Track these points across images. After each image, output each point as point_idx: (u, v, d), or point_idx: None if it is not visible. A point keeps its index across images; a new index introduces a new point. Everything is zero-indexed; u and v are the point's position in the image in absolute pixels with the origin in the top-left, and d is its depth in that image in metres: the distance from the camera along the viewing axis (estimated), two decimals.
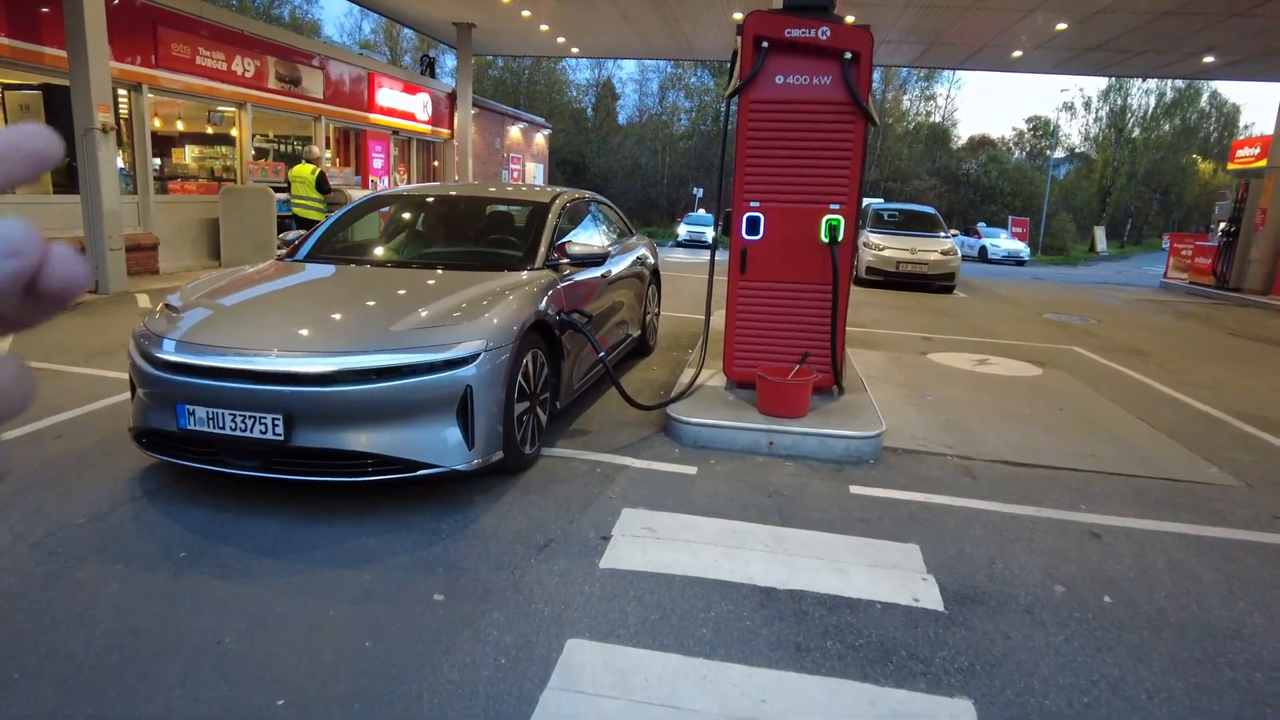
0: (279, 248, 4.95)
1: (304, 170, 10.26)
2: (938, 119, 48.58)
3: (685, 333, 8.04)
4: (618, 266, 5.58)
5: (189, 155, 11.44)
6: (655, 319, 6.98)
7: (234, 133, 11.64)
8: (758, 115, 4.64)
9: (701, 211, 33.25)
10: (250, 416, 3.17)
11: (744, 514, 3.51)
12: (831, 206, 4.68)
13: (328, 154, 13.95)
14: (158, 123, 10.48)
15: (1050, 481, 4.16)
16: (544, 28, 16.86)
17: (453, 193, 5.26)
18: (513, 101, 38.03)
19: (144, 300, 8.05)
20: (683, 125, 45.92)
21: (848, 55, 4.48)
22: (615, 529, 3.29)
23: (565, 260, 4.46)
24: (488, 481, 3.68)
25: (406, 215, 5.16)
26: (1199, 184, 53.64)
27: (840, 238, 4.65)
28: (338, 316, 3.54)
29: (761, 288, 4.86)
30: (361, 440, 3.21)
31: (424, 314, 3.50)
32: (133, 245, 9.38)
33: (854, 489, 3.90)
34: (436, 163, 19.56)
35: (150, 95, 9.76)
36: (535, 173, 25.98)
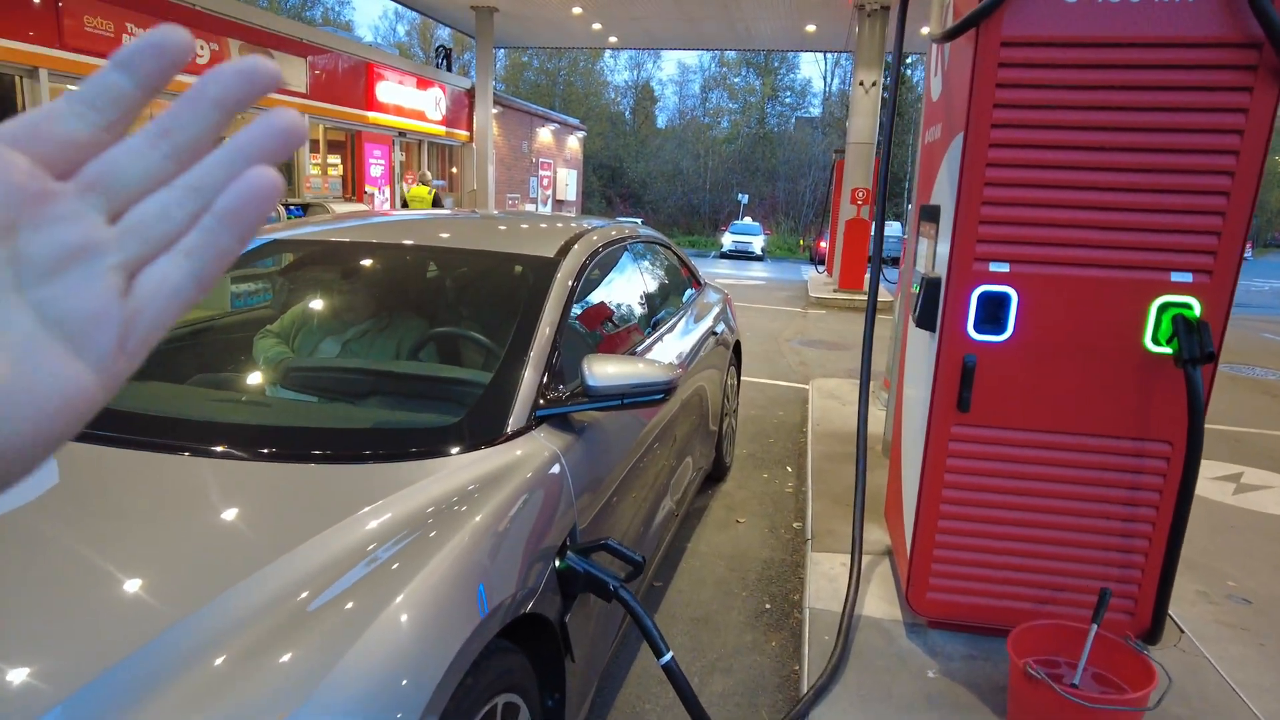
0: None
1: (421, 191, 10.91)
2: None
3: (769, 418, 5.49)
4: (683, 349, 3.09)
5: None
6: (734, 420, 4.45)
7: None
8: (1017, 77, 2.09)
9: (748, 220, 30.81)
10: None
11: None
12: (1173, 277, 2.12)
13: (314, 160, 11.68)
14: None
15: None
16: (577, 11, 14.44)
17: (370, 239, 2.60)
18: (548, 104, 35.76)
19: None
20: (724, 128, 43.40)
21: None
22: None
23: (582, 398, 1.94)
24: None
25: (282, 295, 2.60)
26: None
27: (1201, 348, 2.09)
28: None
29: (1002, 442, 2.30)
30: None
31: None
32: None
33: None
34: (455, 169, 17.27)
35: (52, 84, 7.47)
36: (568, 180, 23.60)
